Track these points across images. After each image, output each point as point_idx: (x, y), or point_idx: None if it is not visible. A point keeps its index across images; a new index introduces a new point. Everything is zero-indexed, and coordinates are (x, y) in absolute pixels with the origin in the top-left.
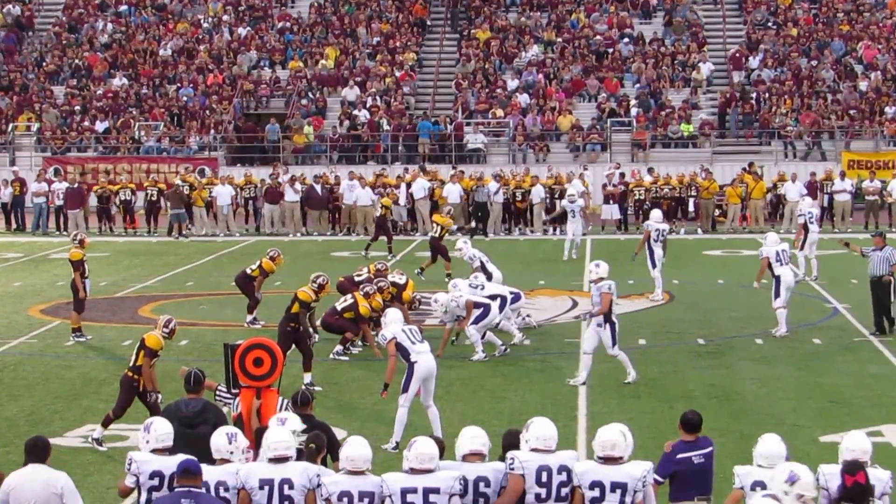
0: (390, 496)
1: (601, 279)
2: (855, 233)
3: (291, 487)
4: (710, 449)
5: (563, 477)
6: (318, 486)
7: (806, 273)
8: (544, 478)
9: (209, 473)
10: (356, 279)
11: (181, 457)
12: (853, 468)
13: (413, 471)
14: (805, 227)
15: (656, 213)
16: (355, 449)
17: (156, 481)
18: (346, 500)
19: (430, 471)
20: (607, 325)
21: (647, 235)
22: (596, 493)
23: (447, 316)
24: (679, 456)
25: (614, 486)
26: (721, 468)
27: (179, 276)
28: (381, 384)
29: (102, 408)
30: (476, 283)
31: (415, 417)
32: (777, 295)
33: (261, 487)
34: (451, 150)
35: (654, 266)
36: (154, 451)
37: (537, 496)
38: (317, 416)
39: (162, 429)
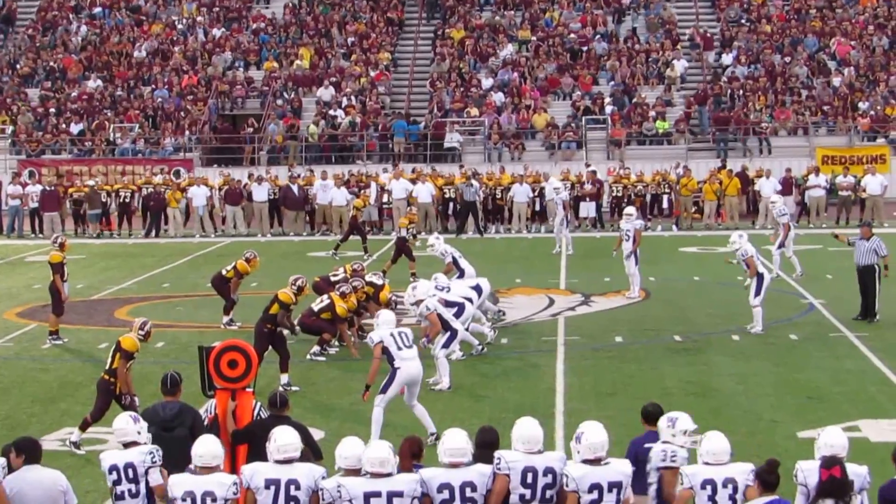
0: (351, 500)
1: (420, 301)
2: (829, 228)
3: (298, 488)
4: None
5: (549, 479)
6: (320, 489)
7: (782, 269)
8: (529, 479)
9: (195, 483)
10: (332, 279)
11: (142, 449)
12: (830, 462)
13: (372, 475)
14: (788, 227)
15: (633, 210)
16: (347, 447)
17: (114, 475)
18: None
19: (386, 475)
20: (448, 332)
21: (639, 234)
22: (594, 495)
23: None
24: (646, 445)
25: (611, 486)
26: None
27: (155, 277)
28: (358, 384)
29: (80, 411)
30: (441, 286)
31: (392, 417)
32: (758, 293)
33: (267, 487)
34: (427, 150)
35: (636, 263)
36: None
37: (521, 497)
38: (294, 416)
39: (116, 425)
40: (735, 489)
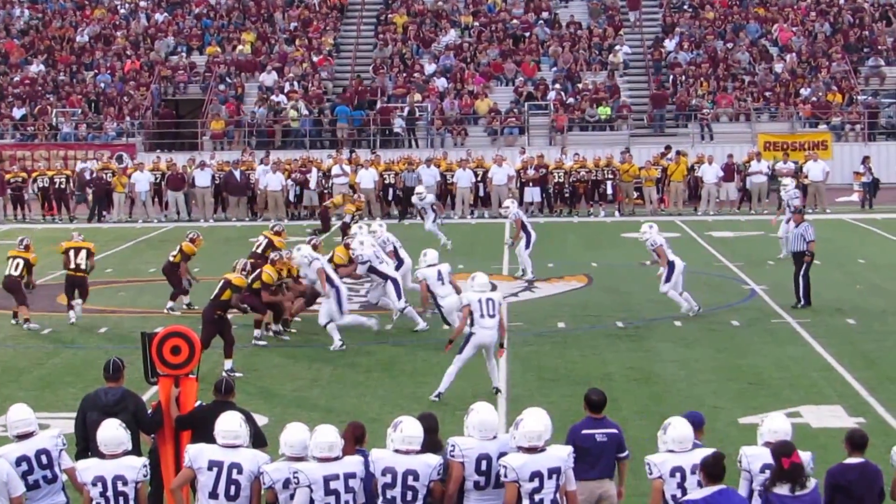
0: (310, 485)
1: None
2: (770, 214)
3: (240, 472)
4: (614, 431)
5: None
6: (261, 473)
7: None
8: (484, 466)
9: (104, 468)
10: (258, 251)
11: (45, 436)
12: (788, 450)
13: (320, 460)
14: (789, 209)
15: (509, 202)
16: (292, 434)
17: (24, 466)
18: (291, 487)
19: (335, 458)
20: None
21: (520, 223)
22: (535, 483)
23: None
24: (584, 431)
25: (551, 473)
26: (642, 450)
27: (98, 262)
28: (302, 370)
29: (23, 396)
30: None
31: (335, 403)
32: (667, 280)
33: (209, 468)
34: (370, 135)
35: (528, 247)
36: (17, 437)
37: (476, 483)
38: (237, 402)
39: (15, 416)
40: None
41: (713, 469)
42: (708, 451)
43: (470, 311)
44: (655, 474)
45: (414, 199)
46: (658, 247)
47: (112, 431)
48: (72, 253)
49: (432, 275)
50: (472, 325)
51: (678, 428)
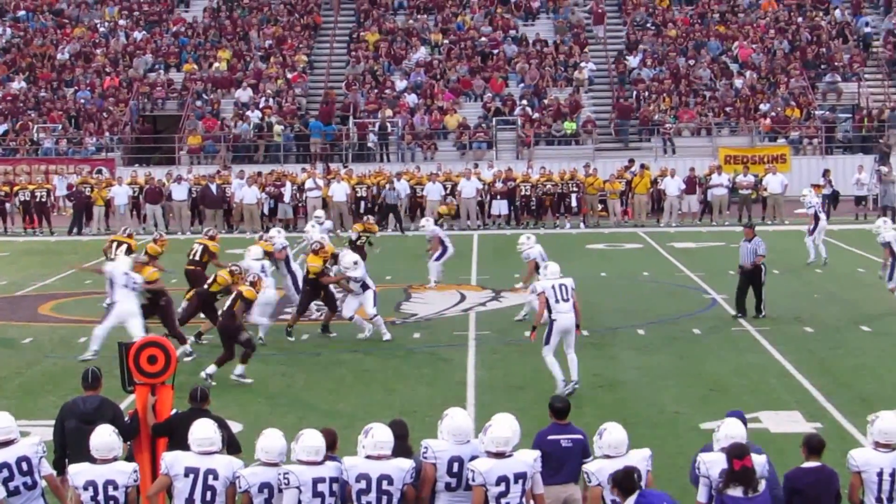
0: (299, 487)
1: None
2: (731, 226)
3: (216, 478)
4: (579, 437)
5: None
6: (237, 478)
7: (816, 258)
8: (455, 468)
9: (95, 472)
10: (195, 258)
11: (25, 443)
12: (741, 452)
13: (303, 462)
14: (816, 217)
15: (429, 220)
16: (270, 441)
17: (5, 472)
18: (266, 491)
19: (319, 462)
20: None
21: (438, 240)
22: (502, 487)
23: None
24: (549, 437)
25: (517, 478)
26: None
27: (79, 274)
28: (277, 379)
29: (4, 405)
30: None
31: (309, 410)
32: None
33: (186, 475)
34: (343, 150)
35: (437, 259)
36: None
37: (447, 485)
38: (212, 409)
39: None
40: (639, 477)
41: (624, 483)
42: (641, 452)
43: (546, 298)
44: (594, 482)
45: (311, 222)
46: (530, 260)
47: (105, 437)
48: (114, 245)
49: (256, 267)
50: (550, 312)
51: (613, 433)
